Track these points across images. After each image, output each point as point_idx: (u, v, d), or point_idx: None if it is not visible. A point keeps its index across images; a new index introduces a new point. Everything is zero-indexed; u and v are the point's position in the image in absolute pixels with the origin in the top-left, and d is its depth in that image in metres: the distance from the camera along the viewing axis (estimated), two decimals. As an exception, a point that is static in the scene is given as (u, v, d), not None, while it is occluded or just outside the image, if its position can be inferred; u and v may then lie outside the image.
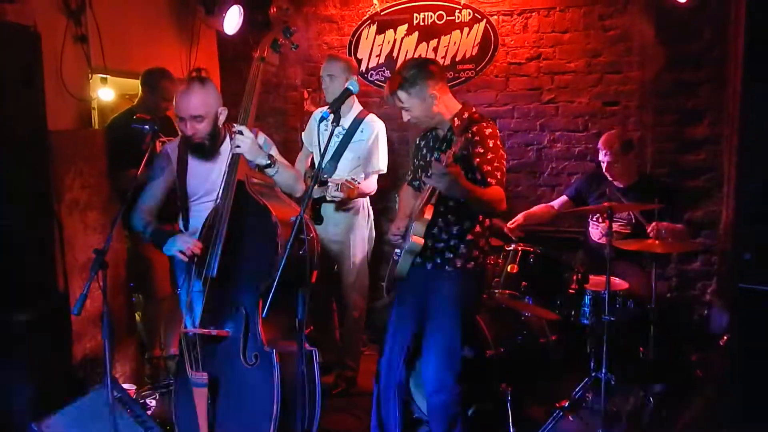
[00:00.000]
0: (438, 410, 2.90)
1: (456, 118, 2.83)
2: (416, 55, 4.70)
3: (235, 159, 2.76)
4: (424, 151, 3.01)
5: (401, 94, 2.80)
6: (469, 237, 2.86)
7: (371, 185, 3.87)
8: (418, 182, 3.06)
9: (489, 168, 2.72)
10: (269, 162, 2.79)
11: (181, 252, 2.76)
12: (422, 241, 2.77)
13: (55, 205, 3.33)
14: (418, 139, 3.10)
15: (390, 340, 3.07)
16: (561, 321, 3.63)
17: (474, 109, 2.91)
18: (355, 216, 3.89)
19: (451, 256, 2.86)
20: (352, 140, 3.81)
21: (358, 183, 3.71)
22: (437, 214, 2.80)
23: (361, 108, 3.90)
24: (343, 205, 3.80)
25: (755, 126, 2.57)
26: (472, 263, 2.88)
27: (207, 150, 2.92)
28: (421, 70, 2.82)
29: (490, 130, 2.78)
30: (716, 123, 4.26)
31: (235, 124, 2.79)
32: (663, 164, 4.39)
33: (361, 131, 3.82)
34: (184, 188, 2.99)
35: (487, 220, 2.95)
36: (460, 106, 2.89)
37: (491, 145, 2.75)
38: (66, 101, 3.66)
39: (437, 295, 2.87)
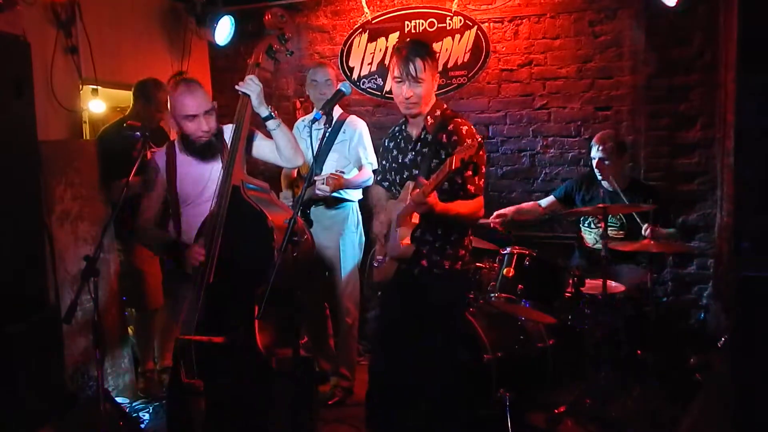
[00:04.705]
0: (437, 412, 2.81)
1: (429, 116, 2.73)
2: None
3: (233, 156, 2.77)
4: (395, 152, 2.89)
5: (424, 63, 2.61)
6: (454, 237, 2.78)
7: (365, 175, 3.82)
8: (387, 183, 2.95)
9: (469, 173, 2.65)
10: (271, 113, 2.86)
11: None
12: (413, 246, 2.67)
13: (45, 216, 3.30)
14: (386, 140, 2.98)
15: (380, 347, 3.01)
16: (558, 325, 3.60)
17: (445, 106, 2.80)
18: (345, 222, 3.86)
19: (438, 258, 2.76)
20: (336, 141, 3.82)
21: (342, 173, 3.73)
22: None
23: (341, 111, 3.90)
24: (333, 203, 3.79)
25: (752, 120, 2.58)
26: (460, 263, 2.80)
27: (214, 148, 2.96)
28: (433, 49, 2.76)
29: (467, 128, 2.68)
30: (708, 126, 4.27)
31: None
32: (656, 168, 4.40)
33: (344, 132, 3.84)
34: (174, 194, 2.96)
35: None
36: (434, 102, 2.77)
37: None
38: (56, 112, 3.66)
39: (428, 299, 2.77)
